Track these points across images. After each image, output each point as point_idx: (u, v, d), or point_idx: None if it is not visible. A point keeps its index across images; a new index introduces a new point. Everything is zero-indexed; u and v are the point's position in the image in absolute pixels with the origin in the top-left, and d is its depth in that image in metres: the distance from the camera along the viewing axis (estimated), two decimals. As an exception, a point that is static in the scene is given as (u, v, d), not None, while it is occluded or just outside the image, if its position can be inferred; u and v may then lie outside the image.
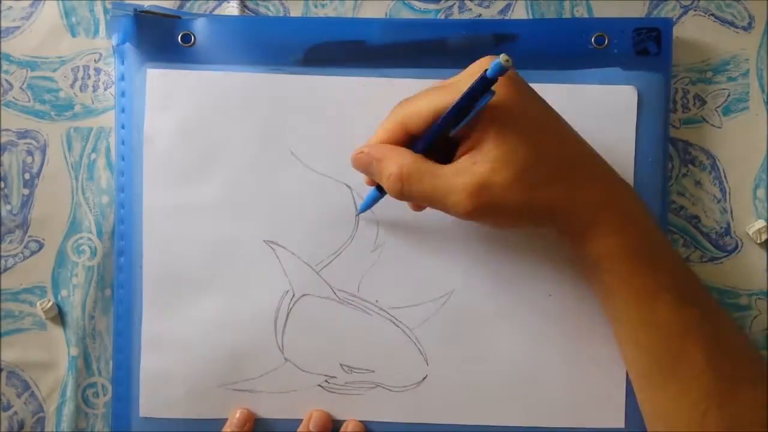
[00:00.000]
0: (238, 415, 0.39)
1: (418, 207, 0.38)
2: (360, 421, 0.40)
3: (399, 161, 0.34)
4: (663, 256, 0.35)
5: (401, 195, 0.34)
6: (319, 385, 0.40)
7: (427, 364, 0.40)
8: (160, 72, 0.39)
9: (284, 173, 0.40)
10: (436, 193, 0.33)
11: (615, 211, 0.34)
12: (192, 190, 0.39)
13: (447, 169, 0.33)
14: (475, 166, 0.33)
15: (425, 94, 0.35)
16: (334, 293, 0.40)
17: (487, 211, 0.33)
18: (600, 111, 0.39)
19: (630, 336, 0.36)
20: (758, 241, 0.41)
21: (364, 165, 0.35)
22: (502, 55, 0.30)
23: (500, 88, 0.32)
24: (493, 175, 0.33)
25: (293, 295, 0.40)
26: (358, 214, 0.39)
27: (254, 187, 0.39)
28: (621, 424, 0.40)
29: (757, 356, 0.37)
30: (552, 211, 0.34)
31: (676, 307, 0.34)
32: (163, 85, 0.39)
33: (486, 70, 0.31)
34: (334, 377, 0.40)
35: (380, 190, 0.37)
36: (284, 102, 0.40)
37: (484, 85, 0.31)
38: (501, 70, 0.30)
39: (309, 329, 0.40)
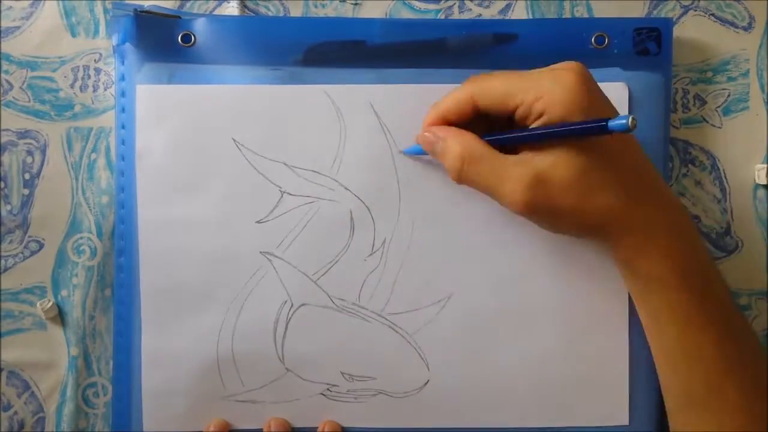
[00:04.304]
0: (212, 428, 0.39)
1: None
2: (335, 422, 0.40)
3: (463, 141, 0.34)
4: (714, 288, 0.35)
5: (460, 175, 0.34)
6: (322, 394, 0.40)
7: (428, 369, 0.40)
8: (148, 88, 0.39)
9: (278, 184, 0.39)
10: (493, 179, 0.33)
11: (672, 234, 0.34)
12: (186, 204, 0.39)
13: (509, 158, 0.34)
14: (536, 159, 0.33)
15: (501, 75, 0.34)
16: (332, 301, 0.40)
17: (540, 207, 0.33)
18: None
19: (669, 362, 0.35)
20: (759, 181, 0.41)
21: (430, 144, 0.36)
22: (631, 118, 0.29)
23: (574, 86, 0.32)
24: (552, 171, 0.32)
25: (291, 305, 0.40)
26: (401, 151, 0.39)
27: (248, 199, 0.39)
28: (625, 422, 0.40)
29: None
30: (605, 220, 0.33)
31: (720, 343, 0.34)
32: (153, 101, 0.39)
33: (608, 120, 0.30)
34: (336, 385, 0.40)
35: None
36: (277, 113, 0.39)
37: (597, 130, 0.31)
38: (624, 131, 0.30)
39: (309, 338, 0.40)
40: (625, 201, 0.33)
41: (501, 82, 0.34)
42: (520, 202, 0.33)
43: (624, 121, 0.30)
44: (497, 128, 0.35)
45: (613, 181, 0.33)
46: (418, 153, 0.39)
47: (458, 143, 0.34)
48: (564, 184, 0.32)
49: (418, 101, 0.39)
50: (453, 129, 0.35)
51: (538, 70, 0.34)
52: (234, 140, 0.39)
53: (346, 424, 0.40)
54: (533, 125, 0.33)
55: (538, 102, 0.33)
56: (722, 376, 0.34)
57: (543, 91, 0.33)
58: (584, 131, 0.32)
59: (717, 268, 0.36)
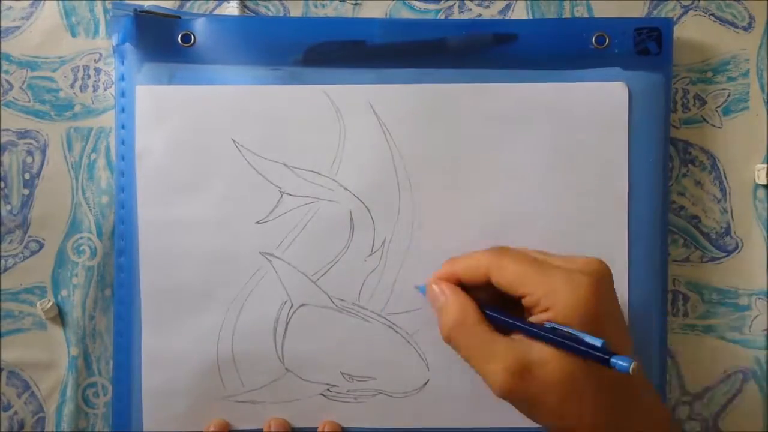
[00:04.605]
0: (212, 428, 0.39)
1: None
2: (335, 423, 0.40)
3: (462, 308, 0.34)
4: None
5: (449, 336, 0.34)
6: (322, 394, 0.40)
7: (428, 369, 0.40)
8: (148, 88, 0.39)
9: (277, 184, 0.39)
10: (478, 353, 0.33)
11: None
12: (186, 205, 0.39)
13: (500, 339, 0.33)
14: (526, 349, 0.32)
15: (519, 257, 0.34)
16: (332, 302, 0.40)
17: (517, 395, 0.32)
18: (591, 108, 0.39)
19: None
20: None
21: (433, 297, 0.36)
22: (634, 364, 0.29)
23: (585, 294, 0.32)
24: (540, 367, 0.31)
25: (291, 305, 0.40)
26: (416, 287, 0.39)
27: (248, 199, 0.39)
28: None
29: None
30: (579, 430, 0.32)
31: None
32: (152, 102, 0.39)
33: (611, 356, 0.29)
34: (336, 386, 0.40)
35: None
36: (276, 113, 0.39)
37: (597, 359, 0.30)
38: (623, 372, 0.29)
39: (309, 339, 0.40)
40: (605, 419, 0.32)
41: (516, 267, 0.33)
42: (500, 385, 0.32)
43: (626, 365, 0.29)
44: (507, 297, 0.34)
45: (603, 401, 0.32)
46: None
47: (457, 308, 0.34)
48: (547, 384, 0.31)
49: (418, 101, 0.39)
50: (458, 291, 0.35)
51: (557, 260, 0.34)
52: (233, 141, 0.39)
53: (346, 424, 0.40)
54: (537, 316, 0.32)
55: (546, 299, 0.32)
56: None
57: (553, 289, 0.32)
58: (583, 354, 0.31)
59: None
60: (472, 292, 0.35)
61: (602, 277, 0.33)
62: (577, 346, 0.31)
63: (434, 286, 0.36)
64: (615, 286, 0.33)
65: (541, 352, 0.32)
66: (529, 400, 0.32)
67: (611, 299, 0.33)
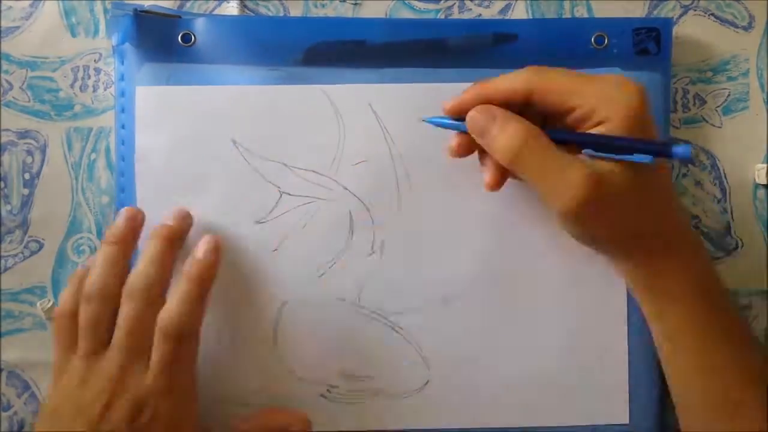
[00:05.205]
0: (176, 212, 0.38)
1: (496, 181, 0.35)
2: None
3: (527, 126, 0.32)
4: (727, 303, 0.35)
5: (517, 157, 0.32)
6: (322, 395, 0.40)
7: (428, 368, 0.40)
8: (148, 89, 0.39)
9: (277, 184, 0.39)
10: (550, 170, 0.32)
11: (689, 253, 0.34)
12: (186, 205, 0.39)
13: (568, 154, 0.32)
14: (596, 163, 0.32)
15: (564, 72, 0.33)
16: (332, 301, 0.40)
17: (590, 208, 0.32)
18: None
19: (686, 379, 0.35)
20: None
21: (481, 122, 0.33)
22: (691, 147, 0.30)
23: (640, 103, 0.32)
24: (612, 177, 0.32)
25: (291, 305, 0.39)
26: (422, 119, 0.36)
27: (248, 199, 0.39)
28: (625, 420, 0.40)
29: None
30: (637, 240, 0.34)
31: (738, 358, 0.34)
32: (152, 103, 0.39)
33: (678, 145, 0.31)
34: (336, 386, 0.40)
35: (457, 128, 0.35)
36: (275, 113, 0.39)
37: (661, 152, 0.31)
38: (685, 159, 0.31)
39: (309, 338, 0.39)
40: (653, 224, 0.34)
41: (567, 80, 0.33)
42: (575, 198, 0.31)
43: (686, 150, 0.30)
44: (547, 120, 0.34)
45: (653, 204, 0.33)
46: (440, 125, 0.36)
47: (521, 126, 0.32)
48: (620, 192, 0.32)
49: (417, 101, 0.39)
50: (508, 112, 0.33)
51: (601, 75, 0.33)
52: (233, 141, 0.39)
53: (346, 424, 0.40)
54: (595, 129, 0.32)
55: (602, 109, 0.32)
56: (741, 391, 0.34)
57: (610, 98, 0.32)
58: (649, 150, 0.31)
59: (724, 283, 0.36)
60: None
61: (647, 92, 0.33)
62: (645, 143, 0.31)
63: (477, 113, 0.33)
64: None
65: (608, 165, 0.32)
66: (598, 213, 0.32)
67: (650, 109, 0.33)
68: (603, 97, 0.32)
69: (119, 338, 0.34)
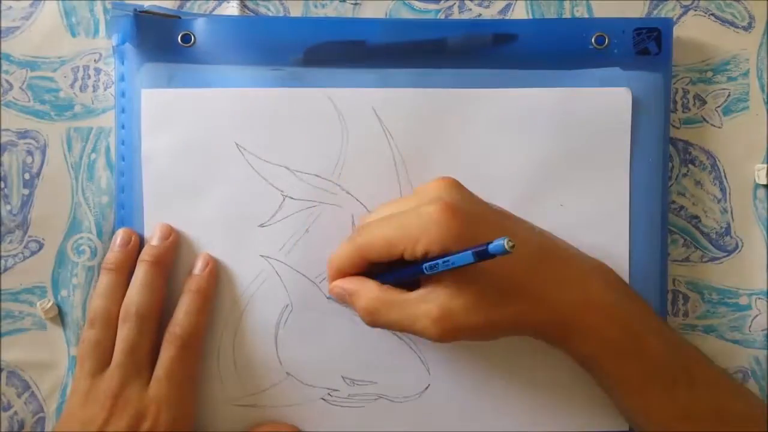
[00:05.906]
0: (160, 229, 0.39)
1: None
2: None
3: (367, 295, 0.35)
4: (650, 342, 0.35)
5: (374, 323, 0.36)
6: (322, 399, 0.40)
7: (429, 373, 0.40)
8: (153, 92, 0.39)
9: (280, 188, 0.39)
10: (404, 322, 0.34)
11: (593, 310, 0.35)
12: (189, 208, 0.39)
13: (412, 298, 0.35)
14: (434, 294, 0.34)
15: (380, 224, 0.35)
16: (335, 305, 0.39)
17: (455, 333, 0.34)
18: (595, 114, 0.39)
19: (631, 421, 0.38)
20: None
21: (340, 298, 0.38)
22: (506, 240, 0.29)
23: (439, 219, 0.33)
24: (451, 301, 0.33)
25: (293, 309, 0.39)
26: (327, 297, 0.39)
27: (251, 203, 0.39)
28: (625, 427, 0.40)
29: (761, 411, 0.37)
30: (518, 324, 0.35)
31: (666, 394, 0.35)
32: (157, 106, 0.39)
33: (488, 245, 0.30)
34: (337, 390, 0.40)
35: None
36: (279, 117, 0.39)
37: (479, 257, 0.31)
38: (502, 253, 0.30)
39: (310, 343, 0.39)
40: (531, 300, 0.34)
41: (381, 234, 0.35)
42: (435, 336, 0.34)
43: (501, 243, 0.29)
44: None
45: (514, 285, 0.34)
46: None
47: (363, 298, 0.36)
48: (466, 309, 0.33)
49: (421, 105, 0.39)
50: (356, 280, 0.36)
51: (406, 208, 0.35)
52: (237, 144, 0.39)
53: (346, 428, 0.40)
54: (423, 260, 0.34)
55: (418, 245, 0.33)
56: (681, 422, 0.35)
57: (416, 234, 0.33)
58: (462, 262, 0.31)
59: (654, 316, 0.37)
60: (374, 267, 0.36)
61: (448, 196, 0.34)
62: (456, 257, 0.32)
63: (335, 289, 0.37)
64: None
65: (446, 289, 0.34)
66: (464, 331, 0.34)
67: (466, 208, 0.34)
68: (410, 237, 0.34)
69: (118, 357, 0.37)
